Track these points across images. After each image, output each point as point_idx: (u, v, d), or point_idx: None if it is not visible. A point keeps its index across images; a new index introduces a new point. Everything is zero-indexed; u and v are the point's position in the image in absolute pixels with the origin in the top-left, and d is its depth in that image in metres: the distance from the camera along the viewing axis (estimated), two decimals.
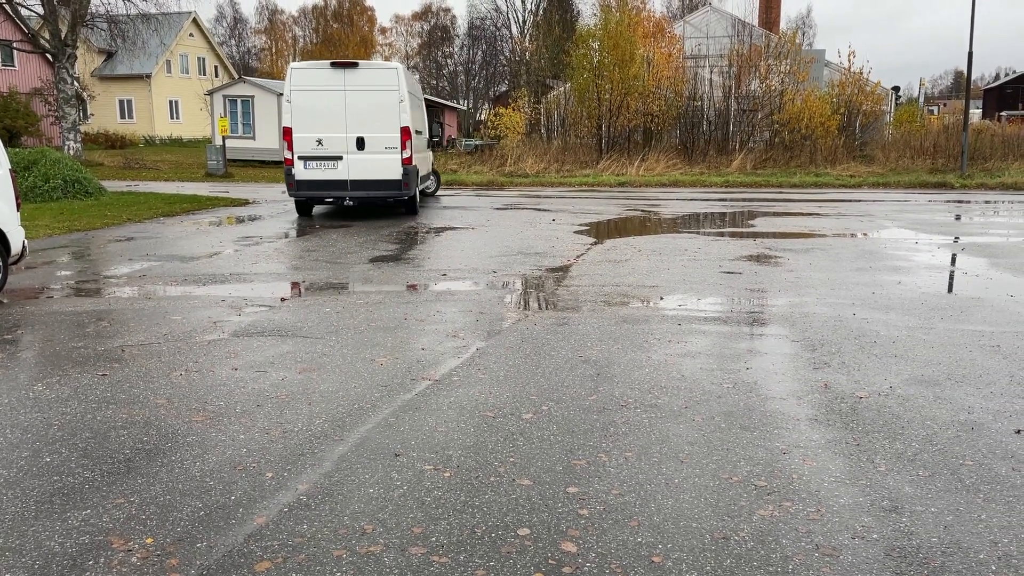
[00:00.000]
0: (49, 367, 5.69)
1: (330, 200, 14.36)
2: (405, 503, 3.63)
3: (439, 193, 19.87)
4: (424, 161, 16.17)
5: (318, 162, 13.89)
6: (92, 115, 40.63)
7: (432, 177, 18.99)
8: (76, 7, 26.11)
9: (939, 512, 3.56)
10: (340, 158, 13.86)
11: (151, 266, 9.77)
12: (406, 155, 13.83)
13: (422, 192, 16.89)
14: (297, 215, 14.96)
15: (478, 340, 6.35)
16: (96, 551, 3.23)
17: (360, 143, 13.81)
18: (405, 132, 13.78)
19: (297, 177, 13.92)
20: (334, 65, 13.88)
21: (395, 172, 13.88)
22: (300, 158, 13.85)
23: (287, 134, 13.88)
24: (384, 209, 15.72)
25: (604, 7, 31.04)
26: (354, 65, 13.85)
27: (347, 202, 14.30)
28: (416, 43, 72.40)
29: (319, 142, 13.83)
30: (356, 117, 13.75)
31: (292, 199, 14.70)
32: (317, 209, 15.85)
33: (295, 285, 8.76)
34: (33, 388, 5.21)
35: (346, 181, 13.96)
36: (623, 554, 3.22)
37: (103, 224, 13.56)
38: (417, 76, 25.37)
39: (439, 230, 13.02)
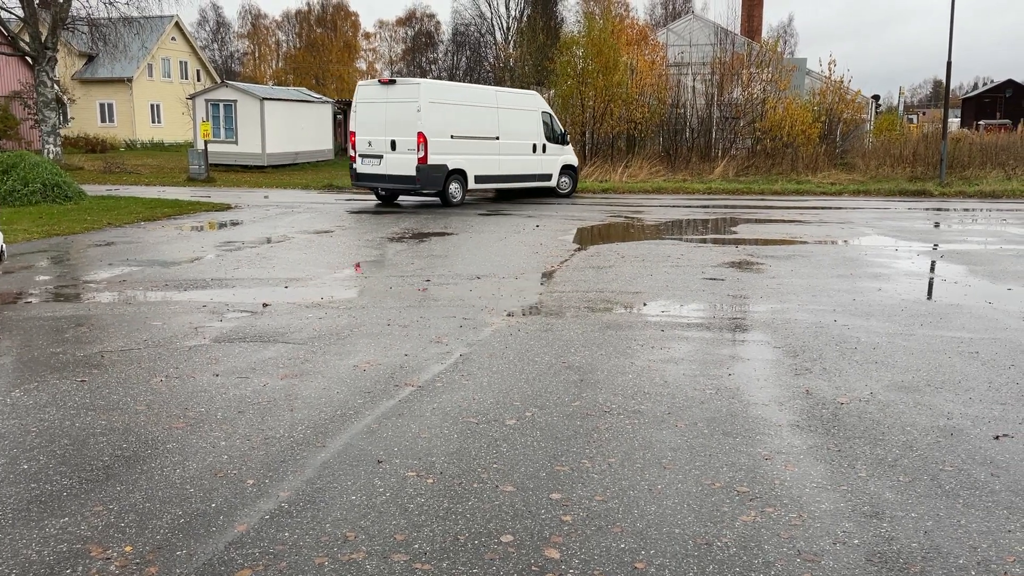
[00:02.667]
0: (27, 373, 5.62)
1: (381, 189, 18.13)
2: (388, 510, 3.61)
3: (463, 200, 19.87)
4: (486, 162, 18.34)
5: (368, 159, 17.48)
6: (72, 119, 40.27)
7: (564, 176, 20.45)
8: (56, 10, 25.90)
9: (919, 517, 3.58)
10: (381, 157, 17.26)
11: (131, 271, 9.68)
12: (420, 155, 16.67)
13: (552, 190, 20.15)
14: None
15: (462, 346, 6.34)
16: (74, 559, 3.19)
17: (393, 145, 17.07)
18: (420, 136, 16.63)
19: (357, 171, 17.80)
20: (380, 82, 17.78)
21: (411, 170, 16.83)
22: (359, 156, 17.58)
23: (351, 136, 17.80)
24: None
25: (588, 14, 31.19)
26: (393, 82, 17.54)
27: (381, 192, 18.25)
28: (400, 49, 72.39)
29: (369, 143, 17.41)
30: (391, 124, 17.05)
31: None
32: (304, 214, 15.83)
33: (277, 291, 8.71)
34: (11, 394, 5.14)
35: (384, 175, 17.38)
36: (606, 560, 3.22)
37: (83, 228, 13.43)
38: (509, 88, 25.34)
39: (424, 235, 13.01)
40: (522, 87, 38.17)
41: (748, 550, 3.30)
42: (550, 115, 20.06)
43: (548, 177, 20.03)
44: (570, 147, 20.74)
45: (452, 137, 17.37)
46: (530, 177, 19.69)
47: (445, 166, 17.32)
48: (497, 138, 18.57)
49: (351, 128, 17.82)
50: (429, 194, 17.83)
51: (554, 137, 19.95)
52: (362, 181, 17.92)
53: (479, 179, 18.44)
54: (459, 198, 18.00)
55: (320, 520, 3.52)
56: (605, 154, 27.13)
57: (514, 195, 20.34)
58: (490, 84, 51.09)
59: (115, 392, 5.19)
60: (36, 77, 26.82)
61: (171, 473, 3.98)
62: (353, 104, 17.86)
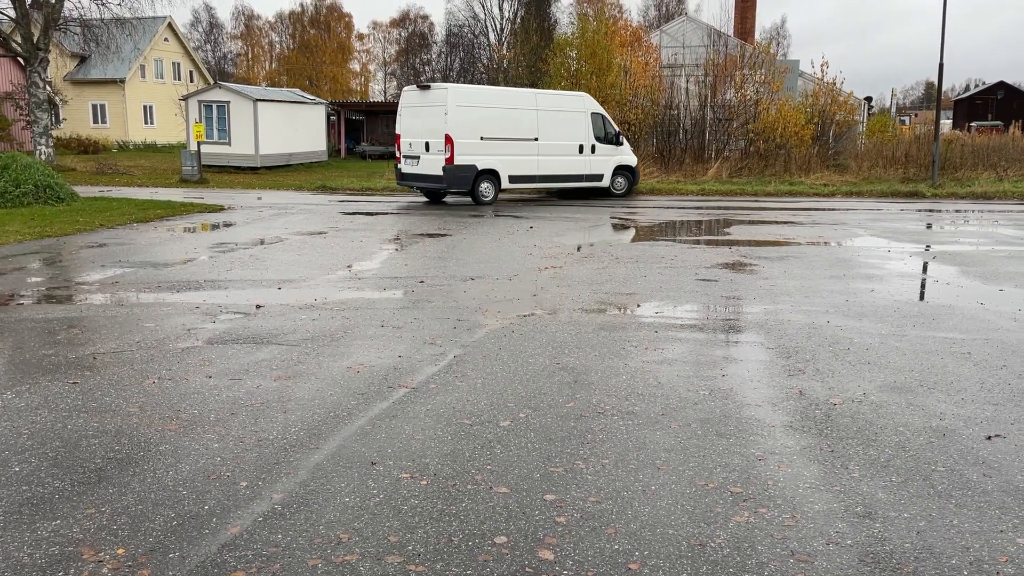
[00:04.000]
0: (19, 375, 5.60)
1: (416, 188, 19.26)
2: (381, 512, 3.61)
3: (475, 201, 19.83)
4: (521, 162, 18.83)
5: (409, 160, 18.66)
6: (64, 120, 40.13)
7: (619, 176, 20.57)
8: (49, 11, 25.82)
9: (912, 518, 3.59)
10: (418, 158, 18.36)
11: (124, 272, 9.65)
12: (447, 156, 17.68)
13: (607, 190, 20.43)
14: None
15: (456, 347, 6.33)
16: (66, 562, 3.18)
17: (427, 146, 18.12)
18: (447, 138, 17.63)
19: (401, 171, 19.02)
20: (418, 87, 18.89)
21: (438, 170, 17.86)
22: (403, 157, 18.82)
23: (397, 139, 19.11)
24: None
25: (581, 16, 31.23)
26: (428, 87, 18.65)
27: (415, 189, 19.36)
28: (394, 50, 72.32)
29: (410, 145, 18.60)
30: (426, 127, 18.11)
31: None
32: (298, 215, 15.81)
33: (270, 292, 8.68)
34: (2, 396, 5.12)
35: (420, 175, 18.47)
36: (600, 562, 3.22)
37: (75, 230, 13.38)
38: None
39: (419, 236, 13.00)
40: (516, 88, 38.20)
41: (741, 551, 3.30)
42: (602, 116, 20.18)
43: (599, 177, 20.18)
44: (626, 147, 20.77)
45: (482, 139, 18.12)
46: (576, 177, 19.91)
47: (474, 166, 18.12)
48: (536, 139, 18.97)
49: (397, 131, 19.27)
50: (460, 193, 18.68)
51: (606, 138, 20.09)
52: (405, 180, 19.17)
53: (514, 179, 18.98)
54: (490, 197, 18.60)
55: (314, 522, 3.51)
56: None
57: (565, 194, 20.54)
58: (483, 85, 51.06)
59: (107, 394, 5.17)
60: (28, 78, 26.73)
61: (164, 475, 3.97)
62: (399, 108, 19.22)
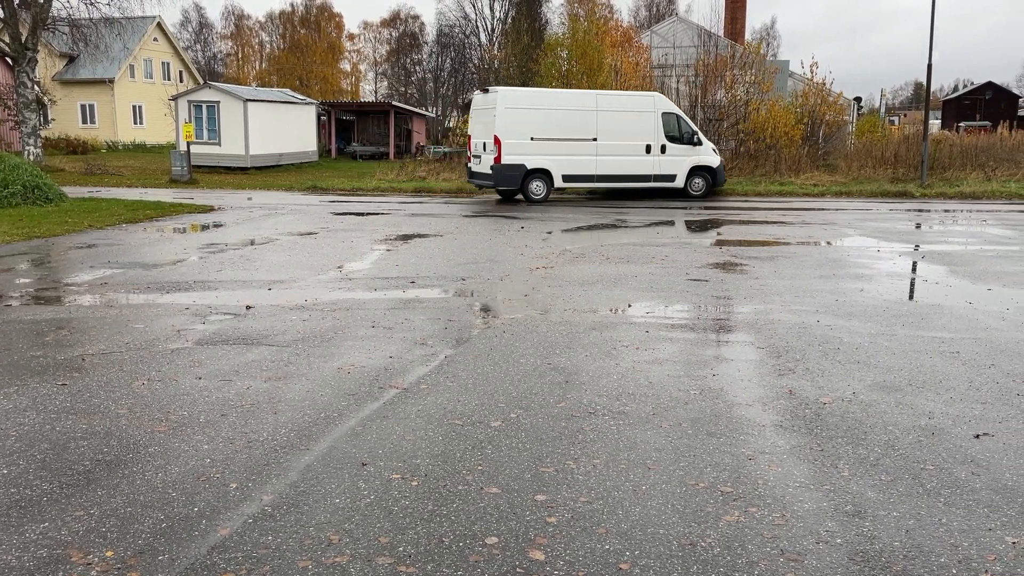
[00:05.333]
0: (6, 377, 5.56)
1: (477, 184, 20.22)
2: (372, 513, 3.60)
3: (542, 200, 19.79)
4: (576, 162, 19.18)
5: (474, 159, 19.74)
6: (53, 120, 39.90)
7: (697, 177, 20.17)
8: (37, 10, 25.67)
9: (901, 516, 3.61)
10: (480, 157, 19.34)
11: (113, 273, 9.61)
12: (495, 156, 18.60)
13: (680, 191, 20.20)
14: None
15: (447, 348, 6.33)
16: (55, 565, 3.16)
17: (484, 147, 19.09)
18: (495, 139, 18.53)
19: (470, 169, 20.17)
20: (481, 90, 20.08)
21: (488, 168, 18.86)
22: (471, 156, 19.92)
23: (468, 140, 20.46)
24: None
25: (572, 16, 31.27)
26: (487, 91, 19.57)
27: (476, 184, 20.19)
28: (384, 50, 72.19)
29: (474, 145, 19.71)
30: (484, 128, 19.10)
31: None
32: (288, 215, 15.77)
33: (260, 293, 8.66)
34: None
35: (480, 173, 19.48)
36: (591, 562, 3.22)
37: (64, 231, 13.31)
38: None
39: (407, 237, 12.98)
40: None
41: (732, 550, 3.31)
42: (677, 116, 19.94)
43: (670, 178, 19.93)
44: (705, 147, 20.31)
45: (532, 139, 18.65)
46: (642, 177, 19.78)
47: (523, 166, 18.76)
48: (594, 139, 19.08)
49: (469, 132, 20.75)
50: (511, 191, 19.41)
51: (680, 138, 19.84)
52: (471, 178, 20.27)
53: (568, 178, 19.33)
54: (541, 195, 19.08)
55: (304, 523, 3.50)
56: None
57: (632, 195, 20.46)
58: (475, 85, 50.96)
59: (96, 396, 5.14)
60: (16, 78, 26.56)
61: (153, 477, 3.95)
62: (471, 110, 20.70)
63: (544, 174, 19.02)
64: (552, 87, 27.16)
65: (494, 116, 18.51)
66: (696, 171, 20.18)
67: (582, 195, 21.25)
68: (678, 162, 19.93)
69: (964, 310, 7.77)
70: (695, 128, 20.37)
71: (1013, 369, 5.81)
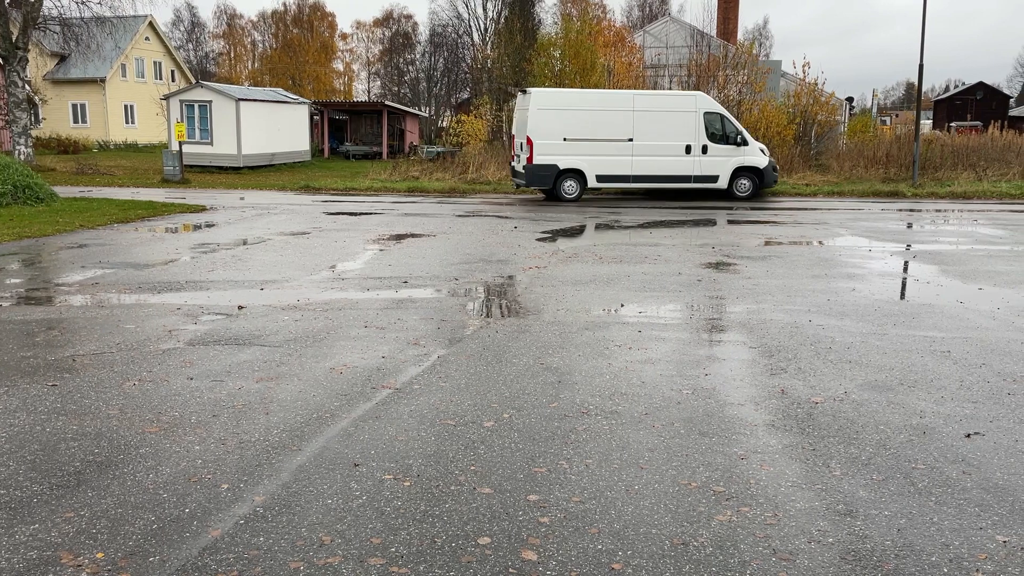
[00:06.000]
0: None
1: (515, 183, 20.44)
2: (364, 513, 3.60)
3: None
4: (610, 162, 19.17)
5: (516, 158, 19.92)
6: (44, 119, 39.72)
7: (742, 179, 19.68)
8: (28, 9, 25.54)
9: (892, 515, 3.62)
10: (519, 156, 19.58)
11: (104, 273, 9.57)
12: (527, 156, 18.91)
13: (726, 192, 19.77)
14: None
15: (439, 348, 6.32)
16: (45, 566, 3.15)
17: (520, 146, 19.36)
18: (528, 140, 18.82)
19: (513, 168, 20.50)
20: (520, 91, 20.39)
21: (521, 167, 19.23)
22: (514, 155, 20.16)
23: (512, 140, 21.09)
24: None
25: (565, 16, 31.28)
26: (524, 91, 19.85)
27: (515, 183, 20.38)
28: (377, 49, 72.08)
29: (516, 145, 20.06)
30: (520, 128, 19.55)
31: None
32: (281, 215, 15.74)
33: (253, 293, 8.64)
34: None
35: (517, 171, 19.79)
36: (583, 562, 3.22)
37: (55, 231, 13.25)
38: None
39: (400, 237, 12.96)
40: (499, 88, 38.18)
41: (724, 550, 3.31)
42: (720, 116, 19.56)
43: (712, 179, 19.54)
44: (751, 148, 19.77)
45: (565, 140, 18.79)
46: (681, 178, 19.50)
47: (555, 166, 18.95)
48: (630, 139, 18.99)
49: (513, 131, 21.31)
50: (547, 190, 19.56)
51: (724, 138, 19.46)
52: (513, 177, 20.55)
53: (602, 179, 19.34)
54: (574, 195, 19.23)
55: (296, 524, 3.49)
56: None
57: (672, 195, 20.37)
58: (468, 85, 50.79)
59: (87, 396, 5.12)
60: (7, 77, 26.41)
61: (144, 478, 3.94)
62: (515, 110, 21.04)
63: (577, 174, 19.13)
64: (546, 87, 27.20)
65: (527, 116, 18.79)
66: (741, 172, 19.69)
67: (618, 195, 21.11)
68: (720, 163, 19.50)
69: (955, 309, 7.80)
70: (740, 128, 19.93)
71: (1004, 368, 5.84)
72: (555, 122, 18.75)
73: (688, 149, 19.27)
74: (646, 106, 19.22)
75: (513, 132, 20.77)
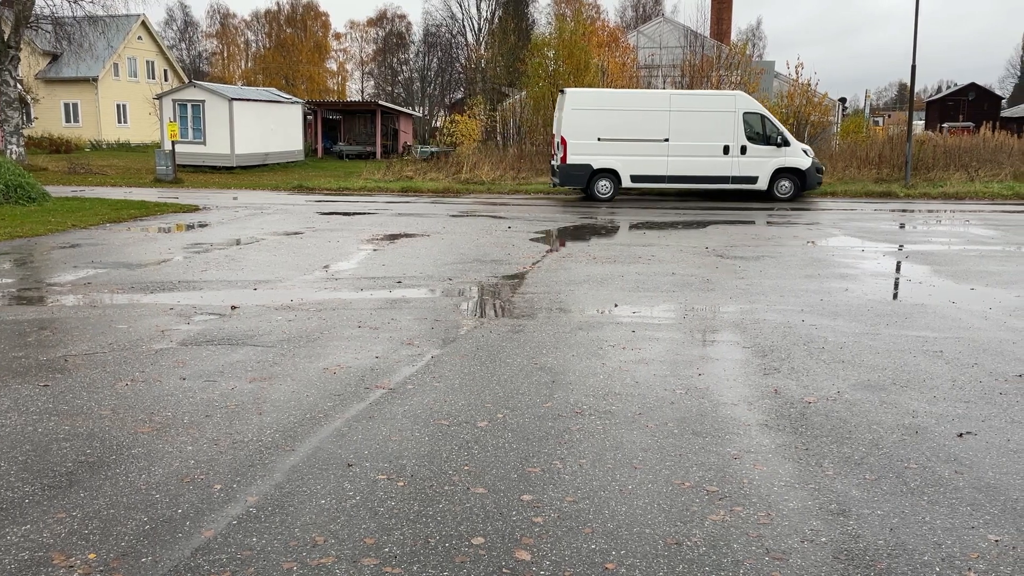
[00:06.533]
0: None
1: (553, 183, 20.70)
2: (358, 514, 3.59)
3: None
4: (645, 162, 19.16)
5: (554, 158, 20.03)
6: (36, 119, 39.57)
7: (783, 180, 19.38)
8: (20, 8, 25.44)
9: (885, 515, 3.63)
10: (555, 156, 19.79)
11: (96, 273, 9.53)
12: (561, 155, 19.19)
13: (766, 193, 19.52)
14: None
15: (433, 348, 6.32)
16: (36, 567, 3.13)
17: (557, 146, 19.63)
18: (561, 140, 19.14)
19: (552, 167, 20.53)
20: (559, 91, 20.29)
21: (556, 166, 19.65)
22: (553, 154, 20.26)
23: (552, 139, 21.18)
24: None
25: (559, 16, 31.29)
26: (562, 92, 19.75)
27: (553, 183, 20.49)
28: (371, 49, 72.00)
29: (555, 145, 19.94)
30: (557, 128, 19.61)
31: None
32: (274, 215, 15.72)
33: (246, 293, 8.61)
34: None
35: (554, 170, 20.05)
36: (577, 561, 3.22)
37: (46, 230, 13.20)
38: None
39: (393, 237, 12.95)
40: (493, 88, 38.19)
41: (717, 549, 3.32)
42: (760, 116, 19.29)
43: (751, 180, 19.30)
44: (793, 148, 19.43)
45: (599, 140, 18.92)
46: (717, 179, 19.33)
47: (589, 166, 19.13)
48: (666, 140, 18.94)
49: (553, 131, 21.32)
50: (579, 189, 19.90)
51: (764, 139, 19.21)
52: (552, 175, 20.63)
53: (636, 179, 19.35)
54: (607, 195, 19.39)
55: (289, 525, 3.48)
56: None
57: (710, 197, 20.27)
58: (461, 85, 50.68)
59: (79, 397, 5.10)
60: None
61: (136, 479, 3.92)
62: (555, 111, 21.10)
63: (611, 174, 19.21)
64: (540, 87, 27.21)
65: (562, 116, 18.97)
66: (782, 173, 19.37)
67: (652, 196, 21.04)
68: (760, 163, 19.22)
69: (947, 309, 7.82)
70: (781, 128, 19.59)
71: (996, 368, 5.86)
72: (589, 122, 18.83)
73: (726, 150, 19.05)
74: (683, 106, 19.05)
75: (553, 132, 21.04)
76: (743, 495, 3.80)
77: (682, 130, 18.88)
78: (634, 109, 19.11)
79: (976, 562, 3.25)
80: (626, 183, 19.33)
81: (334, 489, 3.82)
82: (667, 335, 6.82)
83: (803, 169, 19.52)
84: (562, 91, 19.74)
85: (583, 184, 19.35)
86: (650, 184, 19.77)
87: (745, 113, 19.17)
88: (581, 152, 18.97)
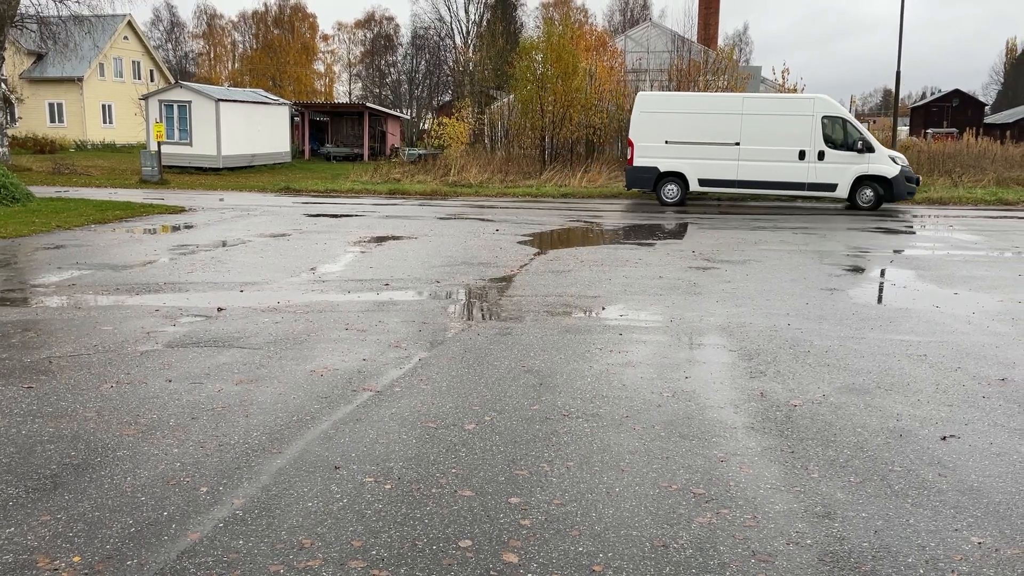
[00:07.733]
0: None
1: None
2: (345, 516, 3.58)
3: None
4: (715, 166, 18.89)
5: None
6: (20, 118, 39.23)
7: (866, 188, 18.45)
8: (5, 7, 25.25)
9: (869, 517, 3.66)
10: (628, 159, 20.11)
11: (81, 275, 9.47)
12: (628, 157, 19.47)
13: (846, 201, 18.97)
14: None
15: (421, 350, 6.31)
16: (20, 570, 3.11)
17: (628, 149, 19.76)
18: (629, 142, 19.34)
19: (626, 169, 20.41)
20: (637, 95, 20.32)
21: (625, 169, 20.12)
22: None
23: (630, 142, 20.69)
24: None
25: (547, 20, 31.33)
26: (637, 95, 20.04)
27: (626, 185, 20.55)
28: (359, 51, 71.88)
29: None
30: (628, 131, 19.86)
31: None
32: (261, 217, 15.64)
33: (232, 295, 8.58)
34: None
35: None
36: (564, 564, 3.23)
37: (30, 231, 13.09)
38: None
39: (381, 239, 12.93)
40: (481, 91, 38.19)
41: (704, 551, 3.33)
42: (843, 120, 18.45)
43: (829, 187, 18.44)
44: (879, 155, 18.33)
45: (667, 142, 18.90)
46: (791, 185, 18.63)
47: (655, 168, 19.08)
48: (736, 143, 18.57)
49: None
50: (648, 192, 20.07)
51: (845, 144, 18.31)
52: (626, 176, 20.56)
53: (704, 182, 19.16)
54: (675, 198, 19.29)
55: (276, 527, 3.47)
56: (564, 159, 27.25)
57: (783, 206, 19.86)
58: (449, 87, 50.67)
59: (63, 399, 5.07)
60: None
61: (122, 481, 3.90)
62: None
63: (678, 177, 19.09)
64: (528, 90, 27.24)
65: (631, 119, 19.28)
66: (864, 181, 18.33)
67: (726, 201, 20.80)
68: (840, 170, 18.28)
69: (932, 314, 7.89)
70: (865, 133, 18.53)
71: (979, 372, 5.92)
72: (657, 125, 18.88)
73: (802, 155, 18.25)
74: (756, 109, 18.64)
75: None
76: (729, 497, 3.82)
77: (755, 134, 18.35)
78: (703, 112, 18.92)
79: (959, 564, 3.28)
80: (694, 187, 19.10)
81: (321, 492, 3.82)
82: (654, 338, 6.84)
83: (890, 178, 18.29)
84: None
85: (650, 186, 19.38)
86: (719, 189, 19.33)
87: (824, 117, 18.30)
88: (648, 155, 18.98)
